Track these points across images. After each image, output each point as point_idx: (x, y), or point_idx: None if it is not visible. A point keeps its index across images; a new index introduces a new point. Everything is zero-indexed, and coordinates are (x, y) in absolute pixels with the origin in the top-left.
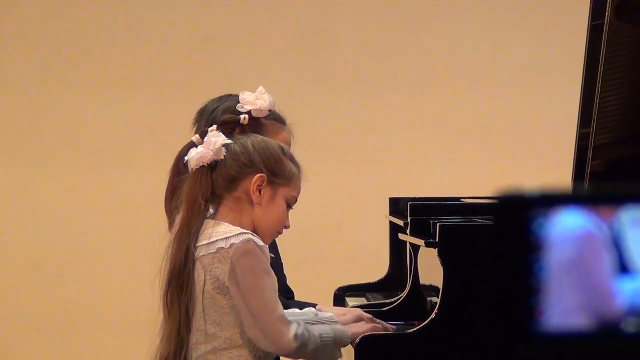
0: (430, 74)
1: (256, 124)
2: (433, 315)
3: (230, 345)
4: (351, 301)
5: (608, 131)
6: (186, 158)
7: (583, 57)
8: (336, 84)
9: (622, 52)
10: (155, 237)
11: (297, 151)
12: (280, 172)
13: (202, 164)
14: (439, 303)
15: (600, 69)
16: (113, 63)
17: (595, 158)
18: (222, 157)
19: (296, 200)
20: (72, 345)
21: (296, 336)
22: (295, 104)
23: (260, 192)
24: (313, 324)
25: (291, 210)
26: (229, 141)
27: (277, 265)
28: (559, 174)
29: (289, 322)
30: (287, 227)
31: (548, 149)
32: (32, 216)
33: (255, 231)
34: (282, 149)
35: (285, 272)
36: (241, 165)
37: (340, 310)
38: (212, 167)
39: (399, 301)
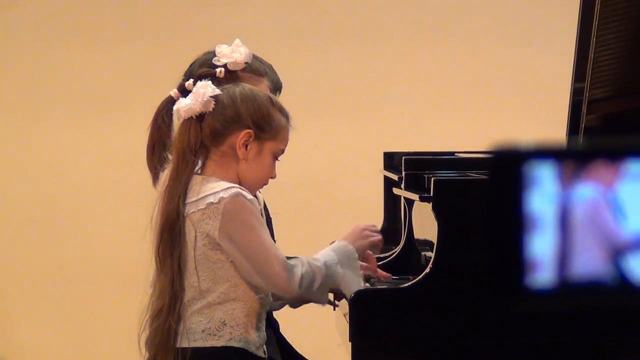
0: (425, 27)
1: (232, 76)
2: (427, 270)
3: (224, 299)
4: None
5: (602, 85)
6: (174, 107)
7: (578, 11)
8: (329, 35)
9: (617, 6)
10: (150, 190)
11: (290, 105)
12: (267, 127)
13: (190, 115)
14: (433, 257)
15: (595, 23)
16: (109, 15)
17: (590, 112)
18: (211, 110)
19: (283, 152)
20: (67, 299)
21: (301, 279)
22: (286, 56)
23: (246, 147)
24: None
25: (286, 163)
26: (218, 92)
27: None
28: (553, 128)
29: (292, 266)
30: (273, 177)
31: (542, 103)
32: (26, 170)
33: (240, 184)
34: (271, 100)
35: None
36: (228, 120)
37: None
38: (200, 118)
39: (393, 255)
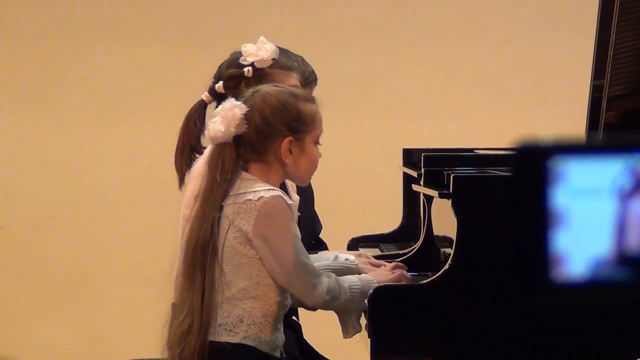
0: (445, 23)
1: (261, 74)
2: (446, 266)
3: (244, 296)
4: (364, 252)
5: (622, 82)
6: (207, 132)
7: (597, 7)
8: (348, 33)
9: (636, 2)
10: (168, 189)
11: None
12: (302, 126)
13: (226, 140)
14: (452, 254)
15: (614, 20)
16: (125, 14)
17: (609, 109)
18: (244, 130)
19: (321, 133)
20: (85, 296)
21: (328, 290)
22: (305, 54)
23: (290, 151)
24: (338, 272)
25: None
26: (245, 109)
27: (310, 214)
28: (572, 125)
29: (320, 275)
30: (319, 157)
31: (561, 100)
32: (44, 167)
33: (294, 180)
34: (295, 96)
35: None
36: (264, 136)
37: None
38: (236, 139)
39: (412, 252)
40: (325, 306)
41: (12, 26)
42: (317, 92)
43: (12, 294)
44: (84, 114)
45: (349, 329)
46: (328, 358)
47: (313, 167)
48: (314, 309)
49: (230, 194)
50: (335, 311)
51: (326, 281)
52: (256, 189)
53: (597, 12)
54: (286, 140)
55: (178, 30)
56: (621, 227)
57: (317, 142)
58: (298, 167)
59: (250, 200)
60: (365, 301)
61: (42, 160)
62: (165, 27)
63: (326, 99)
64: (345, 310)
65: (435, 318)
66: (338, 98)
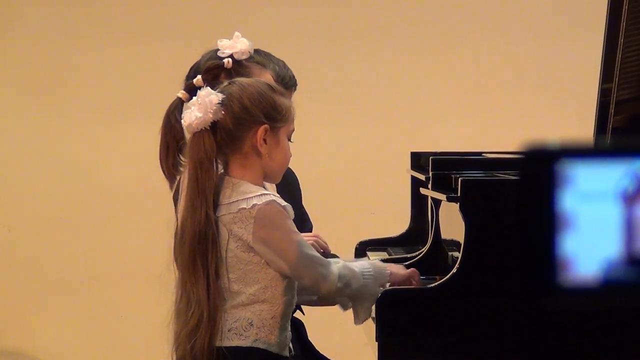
0: (451, 26)
1: (239, 66)
2: (454, 270)
3: (252, 301)
4: (372, 255)
5: (630, 86)
6: (183, 122)
7: (605, 11)
8: (356, 36)
9: None
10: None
11: (318, 105)
12: (278, 116)
13: (202, 127)
14: (460, 257)
15: (623, 24)
16: (132, 12)
17: (617, 113)
18: (221, 116)
19: (294, 130)
20: (92, 297)
21: (339, 277)
22: (312, 57)
23: (265, 141)
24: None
25: (314, 163)
26: (222, 96)
27: (298, 213)
28: (580, 129)
29: (329, 264)
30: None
31: (570, 104)
32: (53, 168)
33: (266, 176)
34: (271, 88)
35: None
36: (242, 122)
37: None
38: (213, 127)
39: (420, 255)
40: (339, 293)
41: (18, 25)
42: (325, 95)
43: (19, 295)
44: (91, 114)
45: (360, 315)
46: (327, 357)
47: (286, 161)
48: (331, 302)
49: (223, 203)
50: (348, 297)
51: (336, 269)
52: (248, 196)
53: (605, 16)
54: (262, 127)
55: (186, 30)
56: (629, 230)
57: (289, 139)
58: (273, 159)
59: (244, 208)
60: (378, 289)
61: (48, 161)
62: (173, 27)
63: (334, 102)
64: (358, 296)
65: (443, 322)
66: (346, 101)
